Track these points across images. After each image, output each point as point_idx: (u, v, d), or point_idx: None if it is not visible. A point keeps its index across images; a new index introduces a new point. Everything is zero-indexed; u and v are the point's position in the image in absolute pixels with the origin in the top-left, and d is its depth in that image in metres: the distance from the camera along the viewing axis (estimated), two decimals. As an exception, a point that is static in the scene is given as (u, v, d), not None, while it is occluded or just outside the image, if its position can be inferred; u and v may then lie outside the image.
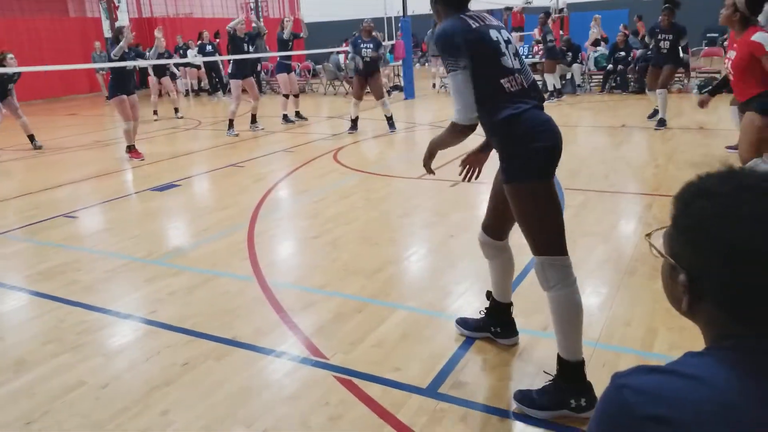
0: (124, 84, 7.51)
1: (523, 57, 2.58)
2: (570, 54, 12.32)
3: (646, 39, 8.19)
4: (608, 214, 4.60)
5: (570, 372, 2.19)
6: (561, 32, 16.41)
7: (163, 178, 6.56)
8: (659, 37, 7.95)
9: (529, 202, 2.13)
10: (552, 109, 10.63)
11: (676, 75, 11.52)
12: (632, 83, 11.92)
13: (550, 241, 2.17)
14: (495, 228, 2.55)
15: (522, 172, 2.11)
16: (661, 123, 7.91)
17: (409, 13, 13.68)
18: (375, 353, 2.71)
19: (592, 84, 13.04)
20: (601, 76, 12.55)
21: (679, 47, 7.90)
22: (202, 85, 17.22)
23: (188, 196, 6.01)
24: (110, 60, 7.52)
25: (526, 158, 2.10)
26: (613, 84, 12.25)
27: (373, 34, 8.82)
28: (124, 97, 7.49)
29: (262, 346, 2.82)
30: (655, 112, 8.24)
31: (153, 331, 3.05)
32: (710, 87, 5.58)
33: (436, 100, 13.14)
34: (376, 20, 13.91)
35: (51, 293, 3.57)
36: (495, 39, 2.14)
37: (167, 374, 2.62)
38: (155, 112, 12.04)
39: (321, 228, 4.59)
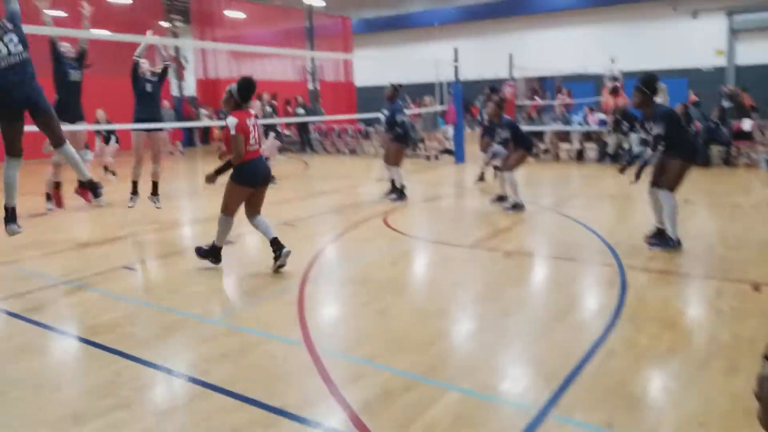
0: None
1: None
2: (626, 123, 12.12)
3: (641, 132, 5.84)
4: (674, 298, 4.40)
5: None
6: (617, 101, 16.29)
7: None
8: (646, 126, 5.57)
9: None
10: (604, 179, 10.51)
11: (743, 149, 11.26)
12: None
13: None
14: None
15: None
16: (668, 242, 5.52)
17: (461, 78, 13.98)
18: (426, 437, 2.62)
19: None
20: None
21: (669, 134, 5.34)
22: (259, 143, 17.86)
23: (241, 254, 6.12)
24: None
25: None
26: (675, 156, 11.98)
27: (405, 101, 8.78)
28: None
29: (309, 419, 2.78)
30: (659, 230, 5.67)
31: (205, 393, 3.06)
32: None
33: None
34: (428, 85, 14.30)
35: (109, 345, 3.65)
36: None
37: (217, 442, 2.60)
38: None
39: (370, 295, 4.57)
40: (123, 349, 3.60)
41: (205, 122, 18.49)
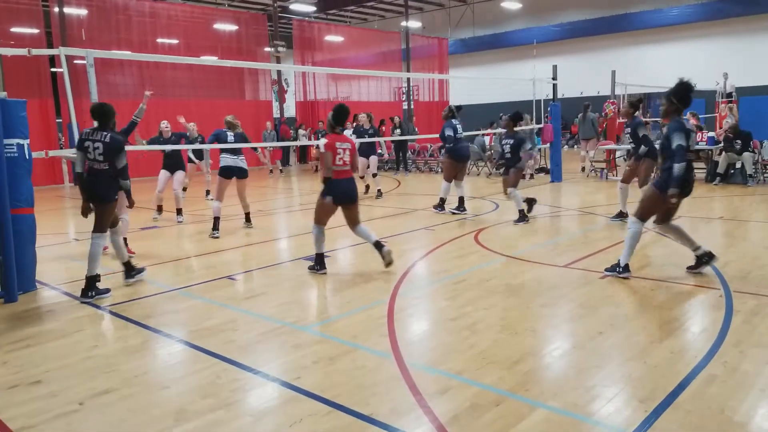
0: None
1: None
2: (739, 142, 11.47)
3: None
4: (786, 324, 4.08)
5: None
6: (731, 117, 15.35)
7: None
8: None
9: None
10: (712, 200, 9.85)
11: None
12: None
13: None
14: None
15: None
16: None
17: (559, 96, 13.69)
18: (512, 452, 2.59)
19: (766, 175, 11.95)
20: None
21: None
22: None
23: (336, 268, 6.31)
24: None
25: None
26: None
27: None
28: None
29: (397, 428, 2.83)
30: None
31: (297, 397, 3.20)
32: None
33: (585, 184, 12.79)
34: (525, 103, 14.09)
35: (211, 349, 3.91)
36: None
37: (307, 443, 2.71)
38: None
39: (459, 311, 4.58)
40: (224, 353, 3.84)
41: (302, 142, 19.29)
